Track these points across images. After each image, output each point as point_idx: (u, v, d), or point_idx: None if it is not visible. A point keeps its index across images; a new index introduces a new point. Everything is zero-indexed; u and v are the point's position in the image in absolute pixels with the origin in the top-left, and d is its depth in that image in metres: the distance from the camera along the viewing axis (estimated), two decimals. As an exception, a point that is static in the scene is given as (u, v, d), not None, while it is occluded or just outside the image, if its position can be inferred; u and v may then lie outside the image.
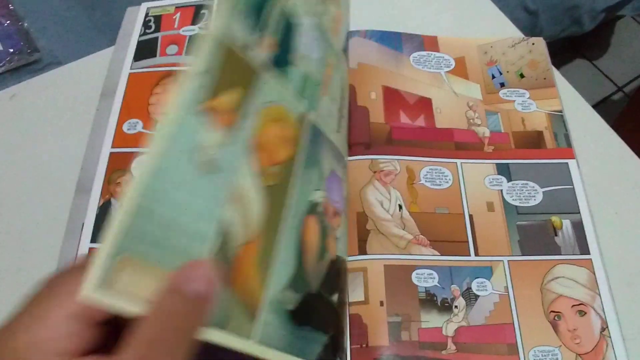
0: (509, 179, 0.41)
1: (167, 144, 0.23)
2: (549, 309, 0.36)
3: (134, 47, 0.45)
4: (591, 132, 0.44)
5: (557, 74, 0.47)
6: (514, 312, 0.35)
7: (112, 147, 0.41)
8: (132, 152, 0.41)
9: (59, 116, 0.44)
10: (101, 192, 0.39)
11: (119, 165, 0.40)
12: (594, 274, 0.37)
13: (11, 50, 0.68)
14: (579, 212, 0.39)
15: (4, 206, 0.40)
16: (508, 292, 0.36)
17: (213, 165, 0.25)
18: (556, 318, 0.35)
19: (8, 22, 0.71)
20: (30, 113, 0.44)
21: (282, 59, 0.30)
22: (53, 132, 0.43)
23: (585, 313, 0.35)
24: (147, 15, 0.47)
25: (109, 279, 0.21)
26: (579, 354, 0.34)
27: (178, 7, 0.48)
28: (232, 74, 0.26)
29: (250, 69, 0.28)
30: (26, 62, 0.70)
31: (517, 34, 0.50)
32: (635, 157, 0.43)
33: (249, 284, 0.26)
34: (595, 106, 0.45)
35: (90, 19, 0.77)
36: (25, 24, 0.72)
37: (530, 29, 1.08)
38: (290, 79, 0.31)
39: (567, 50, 1.42)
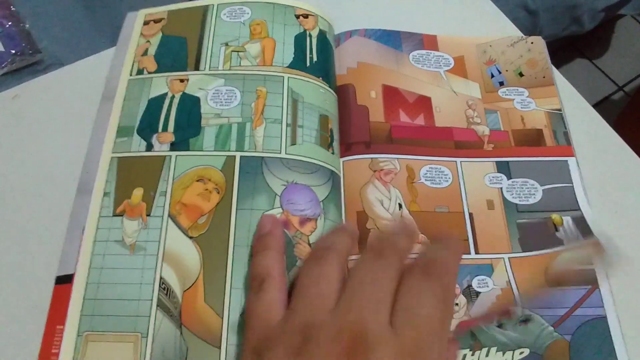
0: (509, 177, 0.41)
1: (100, 243, 0.35)
2: None
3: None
4: (591, 131, 0.44)
5: (556, 73, 0.47)
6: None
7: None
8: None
9: (61, 116, 0.44)
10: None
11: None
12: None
13: (13, 51, 0.69)
14: (579, 209, 0.39)
15: (4, 206, 0.40)
16: (510, 286, 0.36)
17: (137, 245, 0.35)
18: None
19: (10, 23, 0.71)
20: (32, 113, 0.45)
21: (182, 140, 0.39)
22: (55, 132, 0.44)
23: None
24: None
25: (81, 353, 0.31)
26: None
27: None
28: (134, 175, 0.37)
29: (154, 160, 0.38)
30: (28, 63, 0.70)
31: (517, 33, 0.50)
32: (635, 156, 0.43)
33: (203, 318, 0.33)
34: (596, 105, 0.46)
35: (92, 20, 0.77)
36: (27, 26, 0.72)
37: (530, 29, 1.08)
38: (199, 145, 0.39)
39: (567, 49, 1.43)
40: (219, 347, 0.32)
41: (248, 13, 0.46)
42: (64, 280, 0.34)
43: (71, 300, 0.33)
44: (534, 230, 0.38)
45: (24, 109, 0.45)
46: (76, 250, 0.36)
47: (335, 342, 0.21)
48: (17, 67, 0.69)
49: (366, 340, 0.21)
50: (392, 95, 0.44)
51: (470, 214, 0.39)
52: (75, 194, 0.39)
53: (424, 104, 0.44)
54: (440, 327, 0.23)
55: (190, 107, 0.41)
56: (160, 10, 0.47)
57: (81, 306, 0.33)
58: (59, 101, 0.45)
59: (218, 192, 0.37)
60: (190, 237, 0.35)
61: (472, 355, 0.33)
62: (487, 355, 0.33)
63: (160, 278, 0.34)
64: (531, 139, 0.43)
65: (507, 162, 0.41)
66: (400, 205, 0.39)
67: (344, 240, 0.28)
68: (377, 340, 0.21)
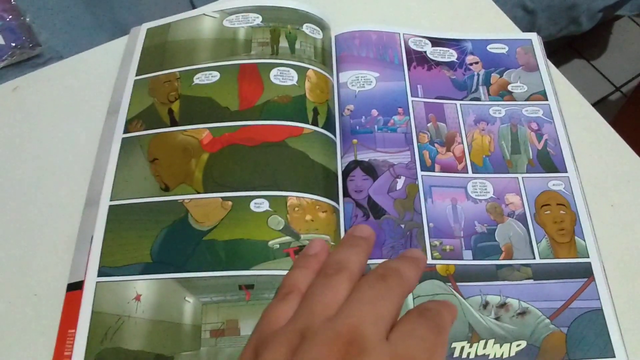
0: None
1: None
2: None
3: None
4: (589, 128, 0.45)
5: (555, 71, 0.47)
6: None
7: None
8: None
9: (60, 108, 0.45)
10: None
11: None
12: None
13: (13, 44, 0.69)
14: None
15: (4, 199, 0.40)
16: None
17: None
18: None
19: (10, 16, 0.71)
20: (32, 105, 0.45)
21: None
22: (55, 123, 0.44)
23: None
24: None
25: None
26: None
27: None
28: None
29: None
30: (28, 57, 0.70)
31: (516, 31, 0.50)
32: (632, 151, 0.44)
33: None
34: (593, 106, 0.46)
35: (91, 13, 0.77)
36: (27, 19, 0.72)
37: (528, 28, 1.08)
38: None
39: (565, 49, 1.43)
40: None
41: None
42: (75, 287, 0.35)
43: (81, 305, 0.34)
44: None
45: (24, 101, 0.45)
46: (85, 261, 0.36)
47: (332, 344, 0.22)
48: (17, 60, 0.69)
49: (362, 344, 0.22)
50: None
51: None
52: (83, 205, 0.39)
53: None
54: (433, 351, 0.23)
55: None
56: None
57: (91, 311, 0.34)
58: (59, 93, 0.45)
59: None
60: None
61: (470, 347, 0.33)
62: (484, 347, 0.33)
63: None
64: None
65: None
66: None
67: (359, 259, 0.28)
68: (372, 346, 0.22)
